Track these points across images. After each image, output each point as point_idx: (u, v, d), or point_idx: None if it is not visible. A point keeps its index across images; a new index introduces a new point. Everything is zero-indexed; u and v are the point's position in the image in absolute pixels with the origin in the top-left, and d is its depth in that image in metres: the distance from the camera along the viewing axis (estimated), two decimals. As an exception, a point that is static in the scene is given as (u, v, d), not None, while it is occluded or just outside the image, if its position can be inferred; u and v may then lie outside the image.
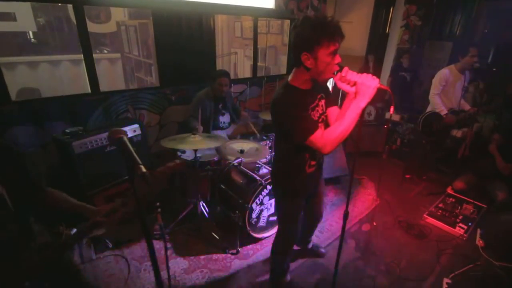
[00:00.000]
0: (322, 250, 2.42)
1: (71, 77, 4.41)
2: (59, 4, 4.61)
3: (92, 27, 4.52)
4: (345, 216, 1.55)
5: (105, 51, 5.16)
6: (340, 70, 1.27)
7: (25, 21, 4.00)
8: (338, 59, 1.26)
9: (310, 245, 2.39)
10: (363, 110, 1.27)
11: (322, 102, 1.48)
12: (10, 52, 4.18)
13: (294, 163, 1.54)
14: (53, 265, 1.13)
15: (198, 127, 2.73)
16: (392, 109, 1.22)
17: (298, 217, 1.77)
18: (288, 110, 1.31)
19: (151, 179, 0.76)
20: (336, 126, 1.29)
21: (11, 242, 1.07)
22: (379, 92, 1.22)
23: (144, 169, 0.79)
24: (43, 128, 2.53)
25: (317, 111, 1.46)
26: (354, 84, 1.25)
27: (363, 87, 1.21)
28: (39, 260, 1.04)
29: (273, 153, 3.22)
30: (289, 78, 1.40)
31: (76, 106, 2.70)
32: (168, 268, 1.11)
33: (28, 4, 3.77)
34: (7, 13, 3.70)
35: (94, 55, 2.75)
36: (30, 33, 4.49)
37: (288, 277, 2.09)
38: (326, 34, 1.19)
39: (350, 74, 1.25)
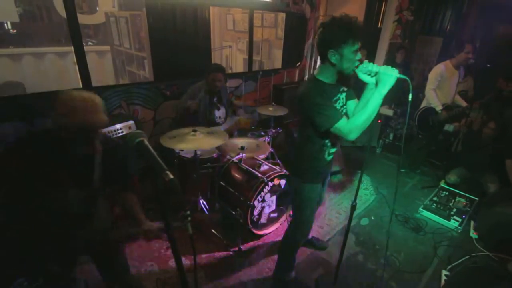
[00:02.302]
0: (324, 243, 2.45)
1: (58, 71, 4.21)
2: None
3: (79, 18, 4.31)
4: (353, 208, 1.65)
5: (90, 43, 4.94)
6: (361, 63, 1.39)
7: (5, 10, 3.77)
8: (359, 55, 1.39)
9: (309, 236, 2.39)
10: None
11: (343, 95, 1.60)
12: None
13: (315, 150, 1.64)
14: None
15: (193, 102, 2.70)
16: (410, 96, 1.30)
17: (315, 203, 1.83)
18: (316, 100, 1.43)
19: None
20: (361, 114, 1.40)
21: (86, 215, 1.31)
22: (397, 81, 1.32)
23: (171, 175, 0.74)
24: (33, 124, 2.40)
25: (339, 103, 1.58)
26: (375, 74, 1.35)
27: (384, 77, 1.31)
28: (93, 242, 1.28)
29: (272, 150, 3.21)
30: (316, 72, 1.54)
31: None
32: (195, 272, 1.09)
33: (9, -8, 3.55)
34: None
35: (82, 48, 2.61)
36: (8, 23, 4.23)
37: (293, 274, 2.09)
38: (352, 33, 1.33)
39: (371, 66, 1.36)
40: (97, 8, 4.69)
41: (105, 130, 2.39)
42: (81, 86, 2.64)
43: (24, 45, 4.26)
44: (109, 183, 1.36)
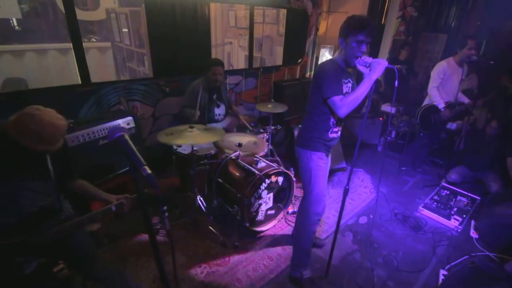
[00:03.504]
0: (322, 240, 2.44)
1: (59, 67, 4.24)
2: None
3: (80, 14, 4.32)
4: (345, 192, 1.80)
5: (93, 40, 4.96)
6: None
7: (9, 7, 3.80)
8: (363, 48, 1.62)
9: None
10: (372, 88, 1.59)
11: (350, 85, 1.82)
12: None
13: (320, 121, 1.82)
14: (64, 238, 1.35)
15: (194, 112, 2.68)
16: (396, 83, 1.52)
17: (325, 178, 1.93)
18: (328, 71, 1.69)
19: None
20: (352, 93, 1.64)
21: (49, 208, 1.35)
22: (376, 83, 1.60)
23: (149, 171, 0.74)
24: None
25: (345, 87, 1.78)
26: (370, 66, 1.59)
27: (375, 64, 1.56)
28: (57, 230, 1.28)
29: (270, 147, 3.19)
30: (334, 56, 1.84)
31: (67, 97, 2.58)
32: (174, 262, 1.07)
33: (11, -11, 3.57)
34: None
35: (83, 44, 2.62)
36: (14, 20, 4.26)
37: (309, 272, 2.05)
38: (355, 24, 1.61)
39: (366, 58, 1.61)
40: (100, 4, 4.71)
41: (104, 125, 2.41)
42: (80, 82, 2.65)
43: (27, 42, 4.29)
44: (60, 174, 1.40)
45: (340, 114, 1.65)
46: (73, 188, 1.51)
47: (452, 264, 2.28)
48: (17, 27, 4.35)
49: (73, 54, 2.56)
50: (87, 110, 2.71)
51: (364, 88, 1.58)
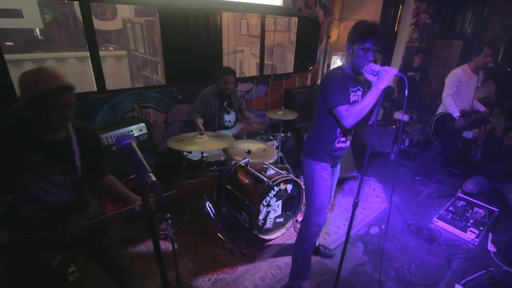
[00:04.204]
0: (331, 251, 2.40)
1: (77, 75, 4.40)
2: (66, 1, 4.61)
3: (98, 24, 4.50)
4: (355, 205, 1.63)
5: (111, 48, 5.14)
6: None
7: (32, 18, 3.99)
8: (370, 56, 1.55)
9: (316, 243, 2.34)
10: (380, 97, 1.51)
11: (359, 93, 1.74)
12: (17, 49, 4.18)
13: (325, 131, 1.78)
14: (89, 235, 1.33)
15: (198, 119, 2.73)
16: (406, 91, 1.39)
17: (328, 189, 1.86)
18: (333, 80, 1.65)
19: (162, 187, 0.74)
20: (358, 103, 1.56)
21: (75, 205, 1.34)
22: (388, 90, 1.40)
23: (154, 178, 0.76)
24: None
25: (354, 96, 1.71)
26: (377, 74, 1.50)
27: (383, 73, 1.46)
28: (81, 227, 1.29)
29: (280, 154, 3.19)
30: (342, 63, 1.74)
31: (82, 104, 2.67)
32: (177, 270, 1.08)
33: (35, 0, 3.75)
34: (14, 10, 3.69)
35: (100, 53, 2.72)
36: (37, 30, 4.48)
37: (308, 284, 2.03)
38: (361, 31, 1.54)
39: (374, 66, 1.52)
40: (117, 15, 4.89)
41: (117, 131, 2.47)
42: (96, 89, 2.75)
43: (48, 50, 4.49)
44: (90, 170, 1.39)
45: (346, 124, 1.59)
46: (102, 183, 1.51)
47: (468, 278, 2.18)
48: (40, 37, 4.57)
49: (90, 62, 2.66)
50: (101, 116, 2.79)
51: (370, 98, 1.50)
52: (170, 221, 0.81)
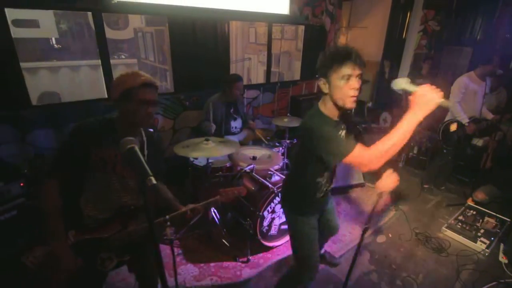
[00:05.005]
0: (337, 259, 2.37)
1: (90, 82, 4.54)
2: (80, 12, 4.78)
3: (110, 33, 4.65)
4: (364, 231, 1.52)
5: (123, 57, 5.30)
6: (358, 93, 1.28)
7: (48, 28, 4.16)
8: (353, 84, 1.24)
9: (322, 251, 2.33)
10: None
11: (343, 133, 1.45)
12: (33, 57, 4.35)
13: (307, 183, 1.53)
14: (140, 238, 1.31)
15: (211, 126, 2.75)
16: (455, 126, 1.13)
17: (312, 239, 1.62)
18: (323, 131, 1.28)
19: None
20: (388, 138, 1.18)
21: (135, 207, 1.35)
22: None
23: (154, 181, 0.79)
24: (62, 131, 2.60)
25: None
26: (411, 94, 1.16)
27: (423, 99, 1.11)
28: (135, 230, 1.28)
29: (285, 161, 3.19)
30: (319, 103, 1.40)
31: (93, 110, 2.76)
32: (176, 276, 1.10)
33: (51, 11, 3.92)
34: (31, 20, 3.86)
35: (112, 61, 2.82)
36: (53, 39, 4.66)
37: None
38: (336, 58, 1.24)
39: (407, 85, 1.17)
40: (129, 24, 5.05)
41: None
42: (106, 96, 2.83)
43: (62, 59, 4.66)
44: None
45: (372, 168, 1.22)
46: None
47: (478, 290, 2.13)
48: (55, 46, 4.75)
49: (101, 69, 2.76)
50: (111, 122, 2.87)
51: (405, 131, 1.14)
52: (169, 223, 0.83)
